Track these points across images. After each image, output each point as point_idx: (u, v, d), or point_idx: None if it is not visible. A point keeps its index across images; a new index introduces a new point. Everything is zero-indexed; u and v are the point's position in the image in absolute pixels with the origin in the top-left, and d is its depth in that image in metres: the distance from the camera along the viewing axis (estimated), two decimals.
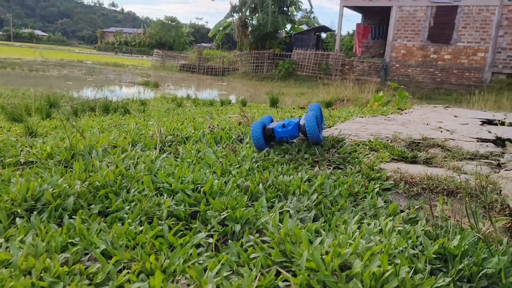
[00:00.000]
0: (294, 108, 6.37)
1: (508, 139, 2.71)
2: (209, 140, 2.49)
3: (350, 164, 2.04)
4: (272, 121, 2.54)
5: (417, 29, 20.08)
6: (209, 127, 2.90)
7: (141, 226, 1.32)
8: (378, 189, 1.69)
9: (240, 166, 1.96)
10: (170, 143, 2.39)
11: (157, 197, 1.53)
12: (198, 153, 2.18)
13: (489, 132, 3.01)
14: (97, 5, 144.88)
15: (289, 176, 1.83)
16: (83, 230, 1.25)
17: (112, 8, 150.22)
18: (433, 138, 2.61)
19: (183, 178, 1.70)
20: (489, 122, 3.70)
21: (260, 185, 1.69)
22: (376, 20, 24.39)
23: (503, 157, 2.22)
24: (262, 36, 25.94)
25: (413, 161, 2.11)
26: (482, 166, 2.01)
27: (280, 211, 1.48)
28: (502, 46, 18.23)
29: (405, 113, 4.43)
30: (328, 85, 16.48)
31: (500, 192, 1.57)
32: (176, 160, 2.04)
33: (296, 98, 13.12)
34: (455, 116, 4.02)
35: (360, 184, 1.74)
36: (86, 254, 1.18)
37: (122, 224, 1.32)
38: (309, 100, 11.96)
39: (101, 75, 21.19)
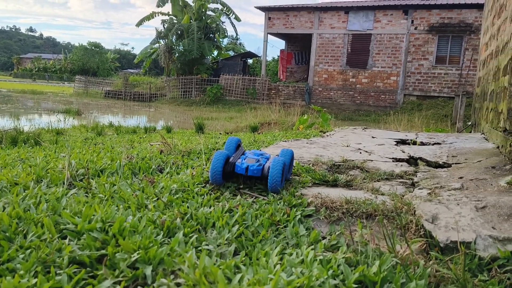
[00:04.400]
0: (220, 133, 6.33)
1: (420, 158, 2.86)
2: (126, 171, 2.33)
3: None
4: (239, 145, 2.27)
5: (336, 55, 21.31)
6: (128, 157, 2.73)
7: (35, 278, 1.15)
8: (299, 216, 1.66)
9: (157, 199, 1.84)
10: (81, 177, 2.20)
11: (59, 241, 1.36)
12: (113, 187, 2.02)
13: (403, 151, 3.17)
14: (13, 30, 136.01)
15: (210, 208, 1.74)
16: None
17: (30, 33, 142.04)
18: (353, 160, 2.68)
19: (92, 217, 1.53)
20: (403, 142, 3.91)
21: (178, 219, 1.59)
22: (299, 46, 25.53)
23: (416, 176, 2.33)
24: (189, 62, 25.93)
25: (334, 184, 2.13)
26: (397, 186, 2.08)
27: (199, 247, 1.38)
28: (411, 71, 19.90)
29: (327, 135, 4.57)
30: (256, 109, 16.77)
31: (414, 213, 1.61)
32: (86, 196, 1.87)
33: (225, 122, 13.15)
34: (372, 137, 4.21)
35: (282, 212, 1.70)
36: None
37: (14, 277, 1.14)
38: (237, 124, 12.02)
39: (17, 103, 19.74)
